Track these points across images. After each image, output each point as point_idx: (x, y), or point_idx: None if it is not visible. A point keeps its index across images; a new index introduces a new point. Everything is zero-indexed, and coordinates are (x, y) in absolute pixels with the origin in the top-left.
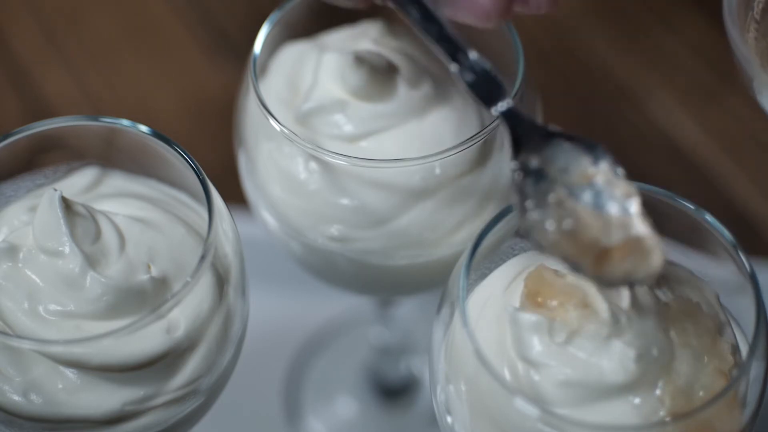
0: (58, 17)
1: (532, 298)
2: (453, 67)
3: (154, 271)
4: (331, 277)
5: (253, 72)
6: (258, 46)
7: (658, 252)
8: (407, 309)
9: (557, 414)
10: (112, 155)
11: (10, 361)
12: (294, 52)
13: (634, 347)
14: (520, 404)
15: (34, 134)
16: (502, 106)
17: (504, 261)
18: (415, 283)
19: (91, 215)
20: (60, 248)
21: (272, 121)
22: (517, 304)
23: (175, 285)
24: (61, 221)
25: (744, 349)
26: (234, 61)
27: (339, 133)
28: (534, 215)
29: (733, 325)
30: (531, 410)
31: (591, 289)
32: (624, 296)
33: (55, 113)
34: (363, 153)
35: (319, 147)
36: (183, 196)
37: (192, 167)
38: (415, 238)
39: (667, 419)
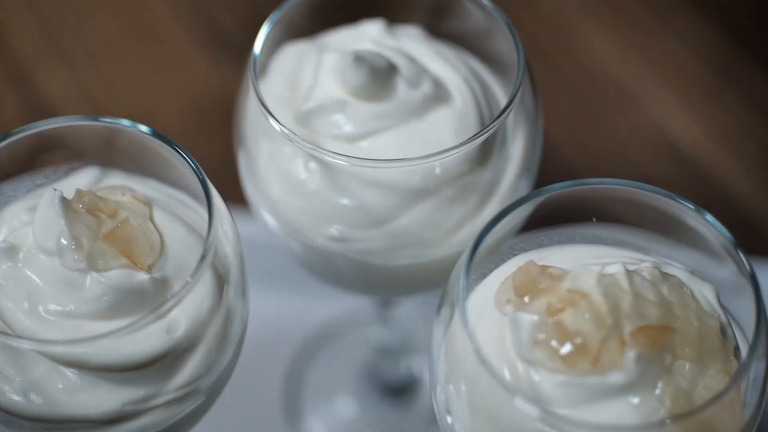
0: (58, 17)
1: (521, 294)
2: None
3: (154, 271)
4: (331, 277)
5: (253, 72)
6: (258, 46)
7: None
8: (407, 309)
9: (557, 414)
10: (112, 155)
11: (10, 361)
12: (294, 52)
13: (634, 347)
14: (520, 404)
15: (34, 134)
16: None
17: (504, 261)
18: (415, 283)
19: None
20: (60, 248)
21: (272, 121)
22: (506, 298)
23: (175, 285)
24: (61, 221)
25: (744, 349)
26: (234, 61)
27: (339, 133)
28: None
29: (733, 325)
30: (531, 410)
31: (589, 287)
32: (625, 296)
33: (55, 113)
34: (363, 153)
35: (319, 147)
36: (183, 196)
37: (192, 167)
38: (415, 238)
39: (667, 419)
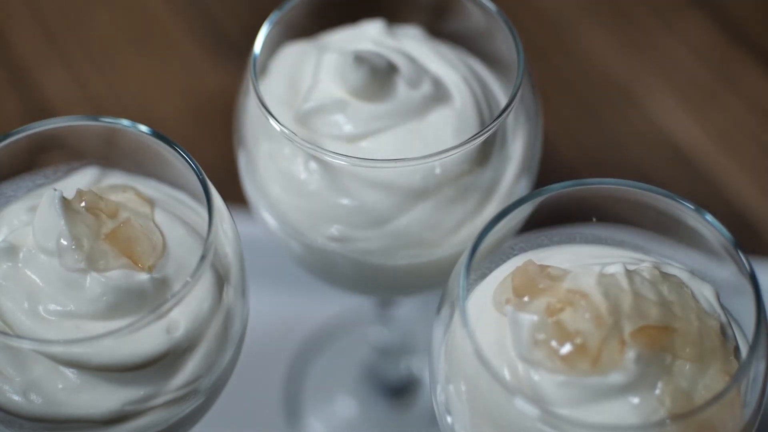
0: (58, 17)
1: (520, 294)
2: None
3: (154, 271)
4: (331, 277)
5: (253, 72)
6: (258, 46)
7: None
8: (407, 309)
9: (557, 414)
10: (112, 155)
11: (10, 361)
12: (294, 52)
13: (634, 348)
14: (520, 404)
15: (34, 134)
16: None
17: (504, 261)
18: (415, 283)
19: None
20: (60, 248)
21: (272, 121)
22: (504, 298)
23: (175, 285)
24: (61, 221)
25: (744, 349)
26: (234, 61)
27: (339, 133)
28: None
29: (733, 325)
30: (531, 410)
31: (589, 287)
32: (625, 296)
33: (55, 113)
34: (363, 153)
35: (319, 147)
36: (183, 196)
37: (192, 167)
38: (415, 238)
39: (667, 419)
